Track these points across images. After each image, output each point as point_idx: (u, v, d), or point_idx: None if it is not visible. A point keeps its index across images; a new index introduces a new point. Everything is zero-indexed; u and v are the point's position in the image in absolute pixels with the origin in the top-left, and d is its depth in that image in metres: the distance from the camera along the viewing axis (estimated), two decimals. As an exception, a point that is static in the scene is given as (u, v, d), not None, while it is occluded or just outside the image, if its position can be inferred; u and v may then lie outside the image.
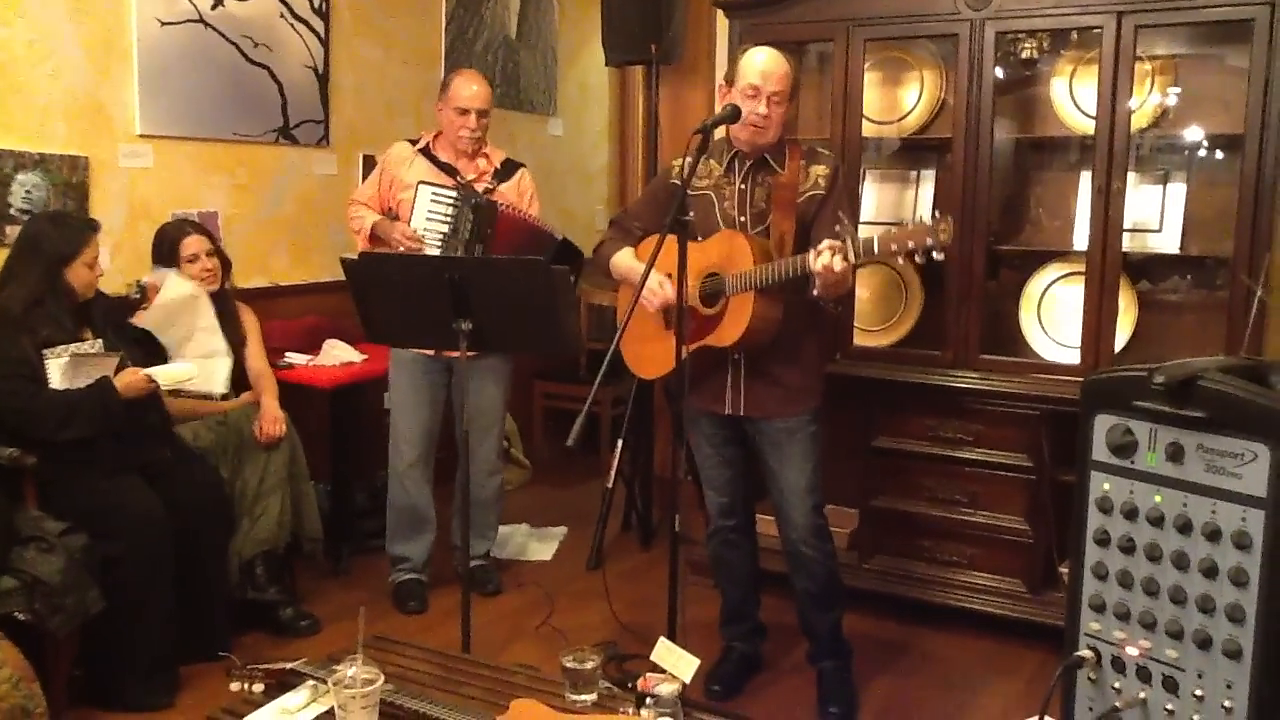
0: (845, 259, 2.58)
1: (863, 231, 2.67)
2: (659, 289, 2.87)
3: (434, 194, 3.59)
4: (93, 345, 3.10)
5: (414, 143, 3.76)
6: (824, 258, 2.58)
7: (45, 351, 2.98)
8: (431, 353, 3.64)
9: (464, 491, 2.97)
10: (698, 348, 2.89)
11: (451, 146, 3.71)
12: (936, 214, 2.57)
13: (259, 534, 3.46)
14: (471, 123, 3.65)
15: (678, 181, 2.82)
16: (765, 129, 2.82)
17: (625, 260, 3.06)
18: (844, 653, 3.17)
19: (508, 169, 3.78)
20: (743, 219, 2.90)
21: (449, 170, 3.68)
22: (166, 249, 3.57)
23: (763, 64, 2.81)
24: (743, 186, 2.91)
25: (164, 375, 3.16)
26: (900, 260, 2.61)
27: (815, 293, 2.70)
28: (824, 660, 3.15)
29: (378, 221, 3.68)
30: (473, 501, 3.33)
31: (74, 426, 2.96)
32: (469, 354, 2.85)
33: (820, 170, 2.88)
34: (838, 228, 2.67)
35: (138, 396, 3.07)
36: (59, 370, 2.98)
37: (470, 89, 3.66)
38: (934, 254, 2.54)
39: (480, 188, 3.66)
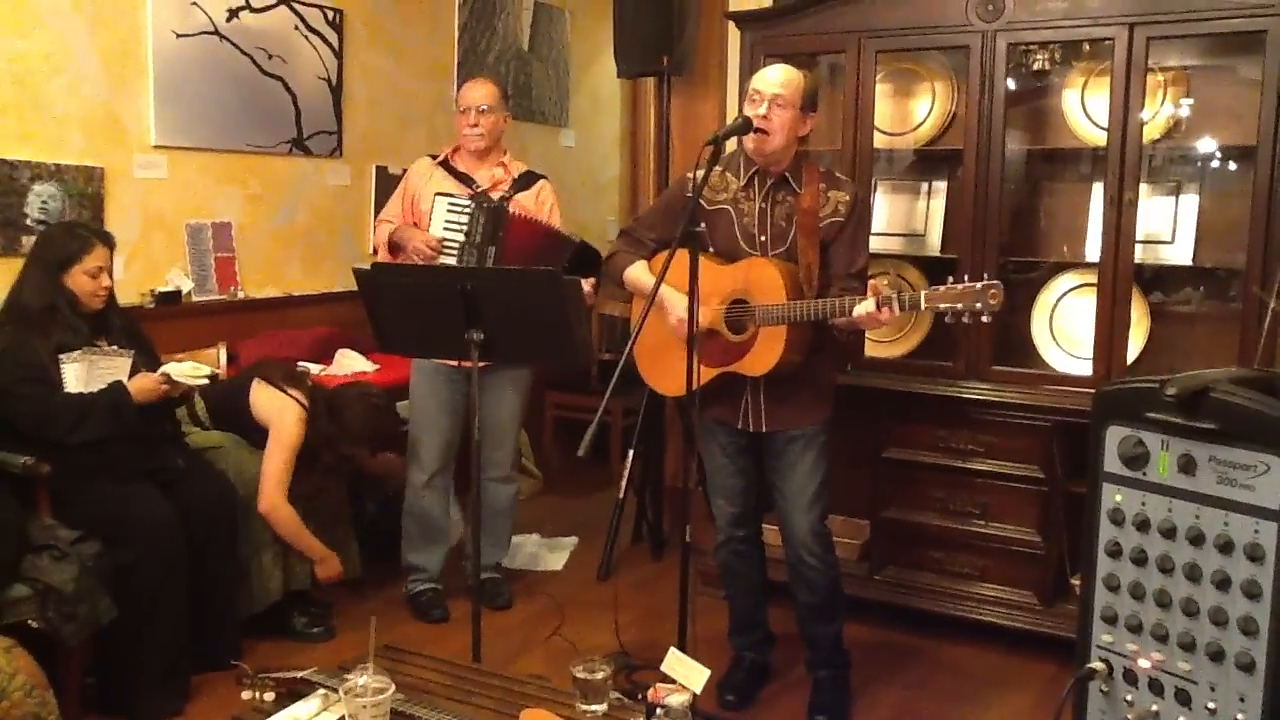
0: (892, 311, 2.60)
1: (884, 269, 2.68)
2: (684, 312, 2.81)
3: (450, 204, 3.60)
4: (107, 347, 3.12)
5: (435, 157, 3.78)
6: (869, 306, 2.60)
7: (61, 356, 3.00)
8: (455, 363, 3.60)
9: (477, 501, 2.97)
10: (723, 374, 2.90)
11: (466, 153, 3.72)
12: (986, 277, 2.55)
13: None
14: (471, 119, 3.64)
15: (692, 195, 2.84)
16: (767, 134, 2.79)
17: (638, 274, 3.06)
18: (841, 663, 3.16)
19: (526, 180, 3.77)
20: (763, 238, 2.90)
21: (466, 180, 3.69)
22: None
23: (767, 71, 2.85)
24: (763, 205, 2.90)
25: (179, 371, 3.16)
26: (947, 319, 2.62)
27: (837, 325, 2.73)
28: (820, 669, 3.14)
29: (396, 228, 3.67)
30: (486, 511, 3.33)
31: (87, 428, 2.97)
32: (483, 364, 2.86)
33: (840, 197, 2.88)
34: (886, 282, 2.68)
35: (151, 400, 3.08)
36: (73, 373, 3.00)
37: (472, 92, 3.68)
38: (982, 318, 2.56)
39: (496, 196, 3.67)
